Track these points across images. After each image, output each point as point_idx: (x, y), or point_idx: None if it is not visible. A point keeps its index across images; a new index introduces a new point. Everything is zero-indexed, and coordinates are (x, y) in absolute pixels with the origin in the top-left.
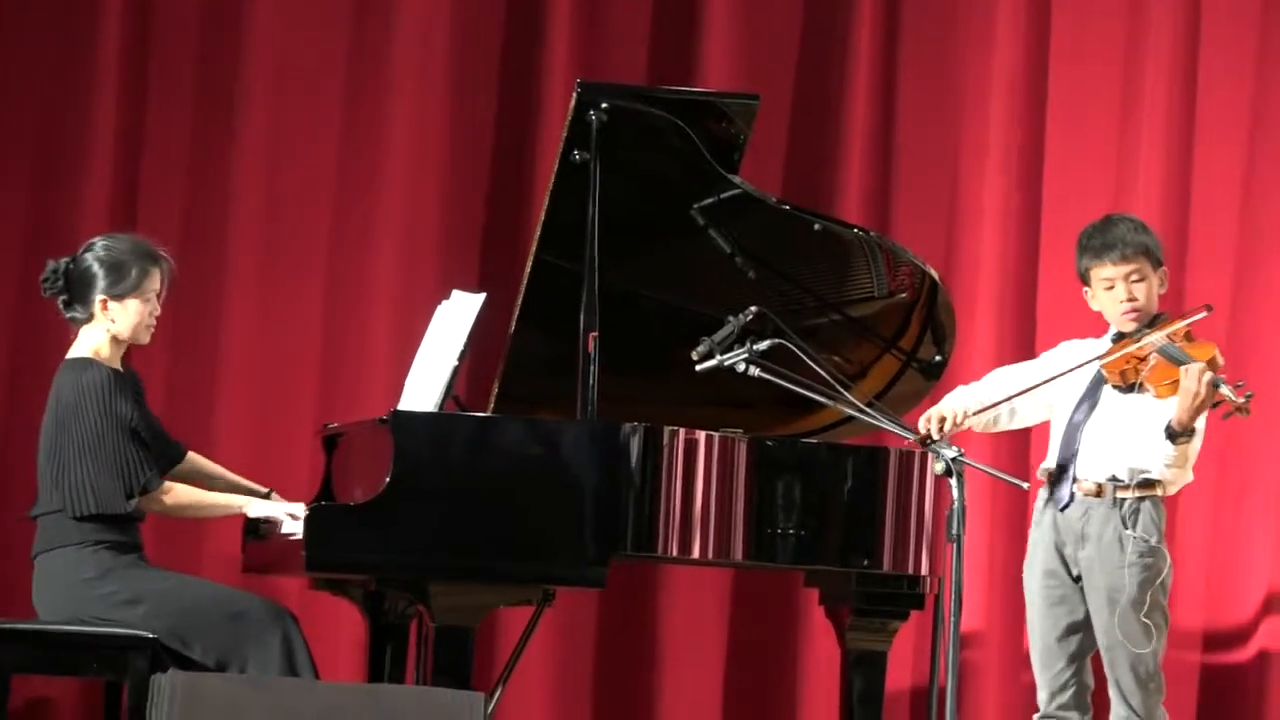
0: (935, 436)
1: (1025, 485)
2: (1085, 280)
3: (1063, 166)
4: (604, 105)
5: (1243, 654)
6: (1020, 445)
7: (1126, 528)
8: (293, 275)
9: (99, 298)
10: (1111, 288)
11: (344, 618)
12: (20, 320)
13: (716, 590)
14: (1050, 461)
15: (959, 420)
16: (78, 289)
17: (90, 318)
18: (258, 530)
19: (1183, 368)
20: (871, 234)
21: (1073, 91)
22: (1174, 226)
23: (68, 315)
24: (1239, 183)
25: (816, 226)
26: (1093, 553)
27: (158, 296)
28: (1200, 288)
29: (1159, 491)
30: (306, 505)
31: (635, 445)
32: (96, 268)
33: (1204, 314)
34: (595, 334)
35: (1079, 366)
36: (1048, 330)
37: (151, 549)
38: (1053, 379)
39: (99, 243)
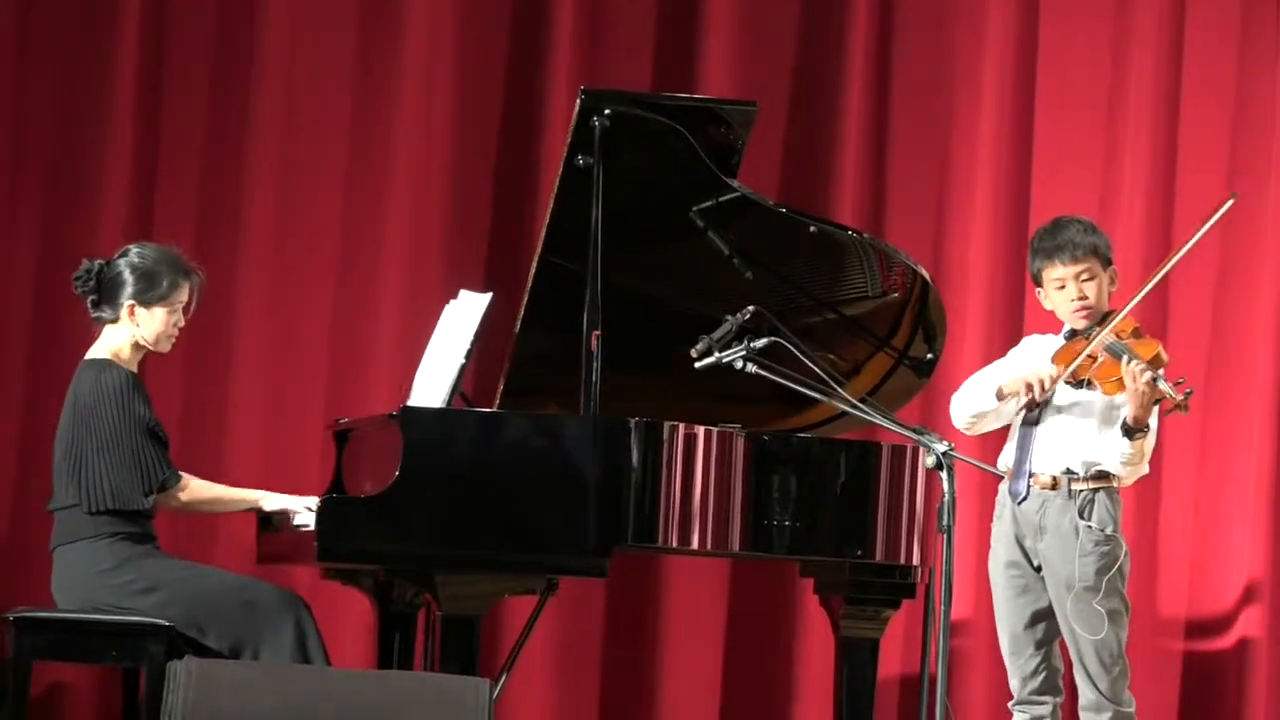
0: (1040, 397)
1: None
2: (1038, 281)
3: (1049, 171)
4: (607, 111)
5: (1224, 641)
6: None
7: (1082, 519)
8: (304, 277)
9: (127, 302)
10: (1063, 287)
11: (354, 606)
12: (39, 324)
13: (717, 579)
14: (1008, 456)
15: (1056, 378)
16: (108, 290)
17: (116, 320)
18: (271, 522)
19: (1123, 368)
20: (865, 235)
21: (1059, 101)
22: (1158, 231)
23: (94, 314)
24: (1222, 188)
25: (812, 229)
26: (1051, 543)
27: (184, 309)
28: (1184, 292)
29: (1114, 483)
30: (319, 498)
31: (636, 439)
32: (128, 273)
33: (1231, 201)
34: (598, 332)
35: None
36: (1035, 327)
37: (166, 540)
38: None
39: (134, 249)
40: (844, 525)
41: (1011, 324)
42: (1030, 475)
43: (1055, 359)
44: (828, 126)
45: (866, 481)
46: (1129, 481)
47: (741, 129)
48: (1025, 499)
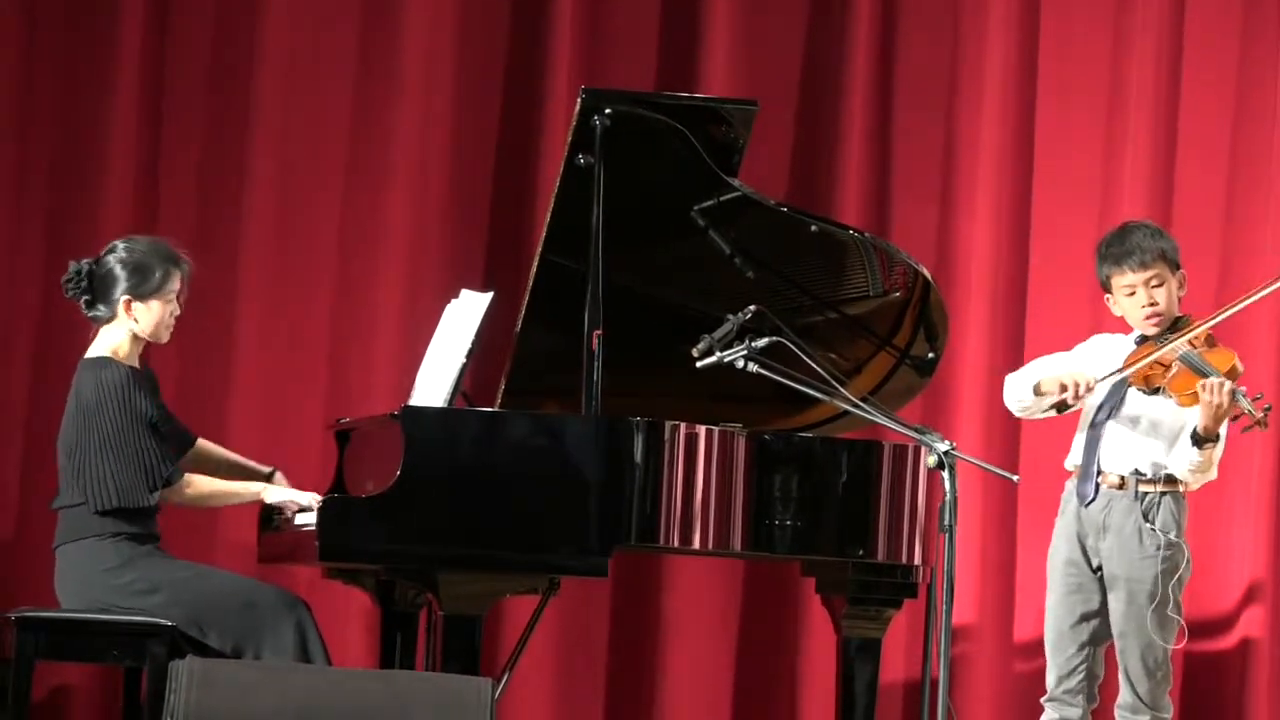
0: (1073, 401)
1: (1015, 478)
2: (1106, 288)
3: (1051, 168)
4: (608, 111)
5: (1226, 642)
6: (1010, 439)
7: (1146, 521)
8: (304, 276)
9: (123, 298)
10: (1132, 294)
11: (356, 605)
12: (44, 324)
13: (719, 579)
14: (1075, 457)
15: (1092, 385)
16: (100, 289)
17: (112, 317)
18: (272, 522)
19: (1200, 382)
20: (866, 235)
21: (1061, 97)
22: (1159, 224)
23: (90, 314)
24: (1223, 179)
25: (813, 228)
26: (1113, 544)
27: (178, 297)
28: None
29: (1180, 488)
30: (320, 496)
31: (638, 439)
32: (119, 269)
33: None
34: (599, 331)
35: (1115, 374)
36: (1038, 326)
37: (168, 539)
38: (1120, 372)
39: (120, 245)
40: (845, 525)
41: (1015, 321)
42: (1098, 475)
43: (1127, 365)
44: (831, 123)
45: (868, 481)
46: (1195, 487)
47: (742, 128)
48: (1093, 500)
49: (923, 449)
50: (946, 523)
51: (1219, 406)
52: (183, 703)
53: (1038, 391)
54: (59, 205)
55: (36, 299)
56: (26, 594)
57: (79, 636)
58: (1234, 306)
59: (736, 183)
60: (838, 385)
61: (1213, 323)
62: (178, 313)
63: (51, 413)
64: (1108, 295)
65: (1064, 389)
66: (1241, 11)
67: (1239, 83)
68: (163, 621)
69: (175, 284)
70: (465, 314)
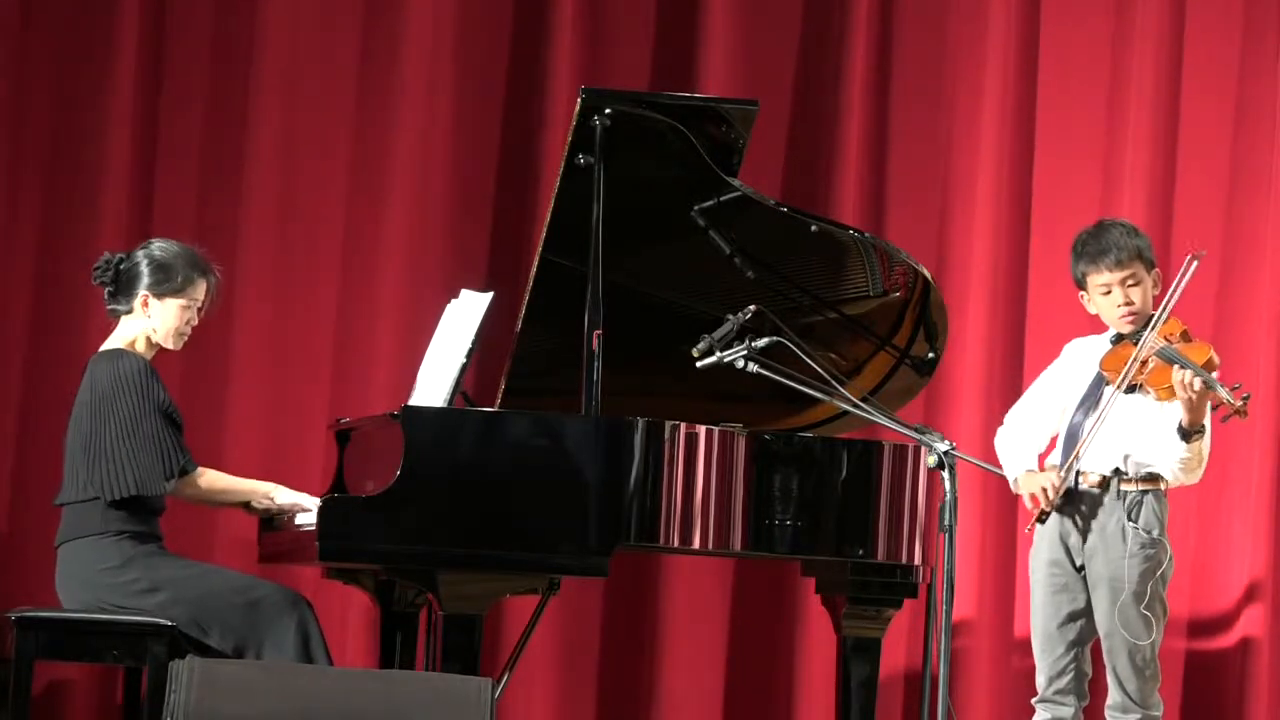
0: (1049, 510)
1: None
2: (1081, 285)
3: (1051, 168)
4: (608, 111)
5: (1226, 641)
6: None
7: (1129, 520)
8: (304, 276)
9: (142, 294)
10: (1108, 292)
11: (355, 605)
12: (37, 320)
13: (719, 578)
14: (1056, 457)
15: (1059, 484)
16: (125, 283)
17: (130, 311)
18: (272, 521)
19: (1174, 377)
20: (866, 235)
21: (1060, 98)
22: (1159, 227)
23: (109, 306)
24: (1223, 179)
25: (813, 228)
26: (1096, 543)
27: (199, 307)
28: (1185, 291)
29: (1161, 485)
30: (320, 498)
31: (638, 439)
32: (145, 265)
33: (1194, 263)
34: (599, 331)
35: (1100, 401)
36: (1038, 325)
37: (168, 537)
38: (1104, 403)
39: (155, 243)
40: (845, 525)
41: (1014, 321)
42: (1079, 474)
43: (1103, 365)
44: (829, 122)
45: (868, 481)
46: (1189, 482)
47: (742, 128)
48: (1074, 499)
49: (923, 449)
50: (946, 522)
51: (1193, 399)
52: (182, 702)
53: (1015, 487)
54: (54, 207)
55: (31, 298)
56: (21, 590)
57: (79, 636)
58: (1176, 290)
59: (736, 182)
60: (837, 385)
61: (1169, 306)
62: (195, 322)
63: (44, 409)
64: (1082, 292)
65: (1035, 500)
66: (1242, 11)
67: (1239, 82)
68: (162, 621)
69: (198, 292)
70: (465, 314)
